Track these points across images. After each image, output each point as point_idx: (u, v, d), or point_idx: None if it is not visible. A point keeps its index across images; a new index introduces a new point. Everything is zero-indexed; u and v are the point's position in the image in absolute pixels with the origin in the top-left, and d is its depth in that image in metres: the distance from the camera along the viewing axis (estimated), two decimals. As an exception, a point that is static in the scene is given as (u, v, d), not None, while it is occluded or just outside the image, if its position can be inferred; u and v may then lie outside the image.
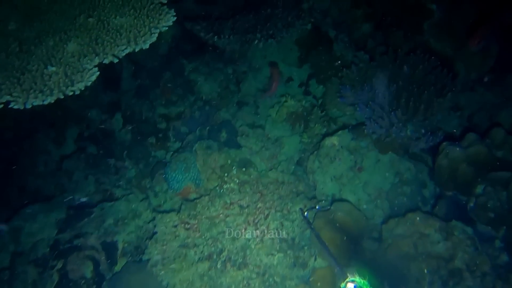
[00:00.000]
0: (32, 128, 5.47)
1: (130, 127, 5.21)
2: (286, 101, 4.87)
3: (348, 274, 2.09)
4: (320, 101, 4.95)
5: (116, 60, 2.98)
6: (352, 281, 2.02)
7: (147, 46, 3.04)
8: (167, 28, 3.15)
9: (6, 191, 5.25)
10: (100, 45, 2.99)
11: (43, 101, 2.79)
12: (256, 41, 4.66)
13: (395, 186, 3.99)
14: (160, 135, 5.13)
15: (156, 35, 3.06)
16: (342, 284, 2.04)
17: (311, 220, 3.64)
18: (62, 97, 2.81)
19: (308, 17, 4.68)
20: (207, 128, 4.93)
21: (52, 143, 5.46)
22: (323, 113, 4.75)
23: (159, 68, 5.32)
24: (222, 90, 5.16)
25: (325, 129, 4.66)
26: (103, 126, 5.29)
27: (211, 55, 5.23)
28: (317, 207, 3.94)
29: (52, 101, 2.80)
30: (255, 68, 5.18)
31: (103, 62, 2.95)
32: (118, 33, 3.05)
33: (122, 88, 5.46)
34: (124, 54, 2.97)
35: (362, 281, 2.02)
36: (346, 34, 5.02)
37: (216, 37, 4.75)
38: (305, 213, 3.63)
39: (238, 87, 5.25)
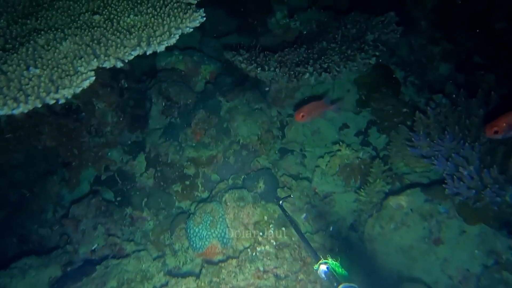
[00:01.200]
0: (46, 167, 4.78)
1: (154, 171, 4.41)
2: (339, 151, 3.97)
3: (321, 257, 2.04)
4: (382, 154, 4.02)
5: (120, 65, 2.22)
6: (325, 263, 1.97)
7: (162, 48, 2.28)
8: (192, 29, 2.38)
9: (5, 241, 4.50)
10: (102, 45, 2.24)
11: (12, 109, 2.02)
12: (307, 75, 3.86)
13: (490, 269, 2.93)
14: (187, 182, 4.29)
15: (177, 37, 2.30)
16: (315, 266, 1.99)
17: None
18: (39, 105, 2.04)
19: (373, 50, 3.85)
20: (242, 176, 4.07)
21: (66, 186, 4.72)
22: (386, 167, 3.80)
23: (193, 105, 4.60)
24: (263, 133, 4.33)
25: (388, 187, 3.70)
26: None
27: (252, 93, 4.46)
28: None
29: (25, 111, 2.02)
30: (305, 111, 4.34)
31: (103, 65, 2.18)
32: (127, 33, 2.30)
33: (149, 126, 4.73)
34: (131, 57, 2.20)
35: (334, 262, 1.96)
36: (419, 75, 4.14)
37: (259, 68, 4.00)
38: (281, 202, 3.12)
39: (283, 131, 4.42)
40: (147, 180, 4.44)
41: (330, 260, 2.01)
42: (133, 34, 2.29)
